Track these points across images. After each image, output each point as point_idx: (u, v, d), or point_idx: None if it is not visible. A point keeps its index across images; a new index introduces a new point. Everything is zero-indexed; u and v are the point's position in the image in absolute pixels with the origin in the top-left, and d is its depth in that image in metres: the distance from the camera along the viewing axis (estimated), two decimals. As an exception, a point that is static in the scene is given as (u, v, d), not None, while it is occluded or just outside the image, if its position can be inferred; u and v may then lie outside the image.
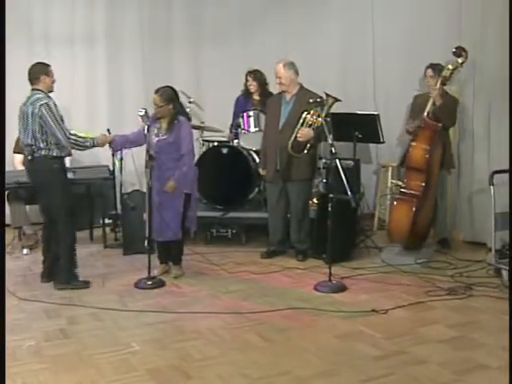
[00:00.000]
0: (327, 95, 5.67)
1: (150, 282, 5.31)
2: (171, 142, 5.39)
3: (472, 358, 3.82)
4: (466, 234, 6.77)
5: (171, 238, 5.51)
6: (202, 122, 7.52)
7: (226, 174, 6.78)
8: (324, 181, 6.87)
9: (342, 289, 5.17)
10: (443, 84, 6.03)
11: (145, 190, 6.34)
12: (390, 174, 7.18)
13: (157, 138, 5.43)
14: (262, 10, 8.51)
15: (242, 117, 6.82)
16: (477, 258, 5.96)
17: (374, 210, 7.65)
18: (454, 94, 6.45)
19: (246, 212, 6.86)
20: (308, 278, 5.55)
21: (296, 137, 5.82)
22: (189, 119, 5.62)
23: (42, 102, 5.16)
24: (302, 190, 6.11)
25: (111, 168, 6.96)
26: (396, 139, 7.38)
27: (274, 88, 6.70)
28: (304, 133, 5.81)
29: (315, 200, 6.74)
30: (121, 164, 7.02)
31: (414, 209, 5.83)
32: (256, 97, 7.07)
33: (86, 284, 5.40)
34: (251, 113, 6.79)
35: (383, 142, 6.86)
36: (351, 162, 6.60)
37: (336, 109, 5.97)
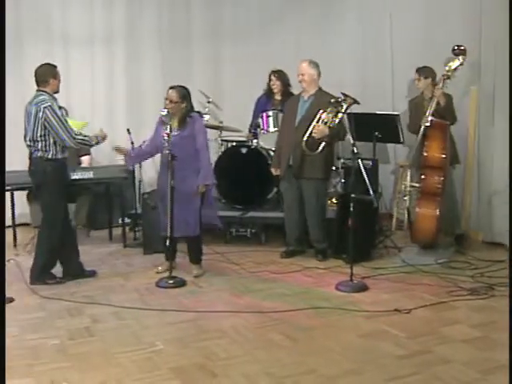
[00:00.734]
0: (345, 96, 5.65)
1: (171, 281, 5.32)
2: (186, 135, 5.40)
3: (495, 358, 3.80)
4: (485, 235, 6.74)
5: (190, 233, 5.52)
6: (221, 122, 7.53)
7: (245, 173, 6.80)
8: (342, 181, 6.89)
9: (363, 288, 5.17)
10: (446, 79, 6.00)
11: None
12: (408, 174, 7.14)
13: (171, 135, 5.43)
14: (280, 9, 8.52)
15: (262, 117, 6.84)
16: (497, 258, 5.92)
17: (391, 210, 7.61)
18: (474, 94, 6.45)
19: (265, 212, 6.88)
20: (329, 277, 5.55)
21: (311, 133, 5.82)
22: (201, 116, 5.65)
23: (46, 105, 5.21)
24: (317, 189, 6.10)
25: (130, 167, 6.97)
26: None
27: (296, 89, 6.70)
28: (319, 129, 5.79)
29: (334, 200, 6.75)
30: (140, 163, 7.05)
31: (437, 208, 5.81)
32: (278, 97, 7.08)
33: (61, 280, 5.47)
34: (270, 113, 6.80)
35: (403, 143, 6.84)
36: (370, 162, 6.59)
37: (354, 108, 5.96)
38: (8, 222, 6.84)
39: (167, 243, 5.32)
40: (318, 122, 5.80)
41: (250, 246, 6.66)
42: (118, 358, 3.88)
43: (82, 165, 7.39)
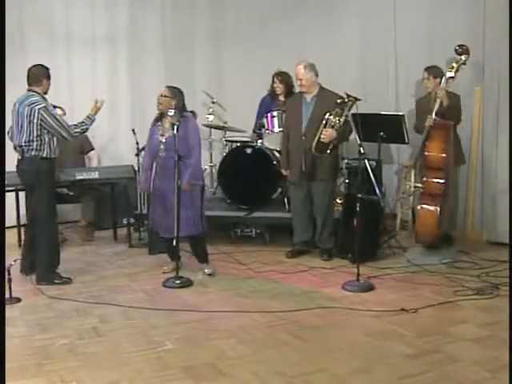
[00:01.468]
0: (348, 96, 5.68)
1: (178, 282, 5.34)
2: (180, 136, 5.36)
3: (503, 357, 3.79)
4: (489, 235, 6.76)
5: (192, 232, 5.51)
6: (225, 123, 7.55)
7: (249, 174, 6.82)
8: (346, 181, 6.91)
9: (370, 288, 5.19)
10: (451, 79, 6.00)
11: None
12: (412, 174, 7.17)
13: (163, 137, 5.47)
14: (282, 10, 8.55)
15: (266, 117, 6.86)
16: (501, 258, 5.93)
17: (394, 211, 7.65)
18: (478, 95, 6.47)
19: (270, 212, 6.88)
20: (335, 277, 5.57)
21: (320, 138, 5.86)
22: (194, 116, 5.63)
23: (41, 106, 5.27)
24: (326, 190, 6.13)
25: (136, 168, 6.98)
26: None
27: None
28: (328, 134, 5.84)
29: (338, 200, 6.77)
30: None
31: (438, 208, 5.83)
32: (282, 98, 7.10)
33: (68, 280, 5.51)
34: (275, 113, 6.82)
35: (408, 143, 6.86)
36: (374, 163, 6.60)
37: (358, 109, 5.98)
38: (13, 222, 6.88)
39: (173, 243, 5.34)
40: (325, 126, 5.83)
41: (254, 246, 6.68)
42: (128, 357, 3.89)
43: (91, 161, 7.42)
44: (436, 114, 5.88)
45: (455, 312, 4.66)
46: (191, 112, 5.60)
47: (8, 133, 5.63)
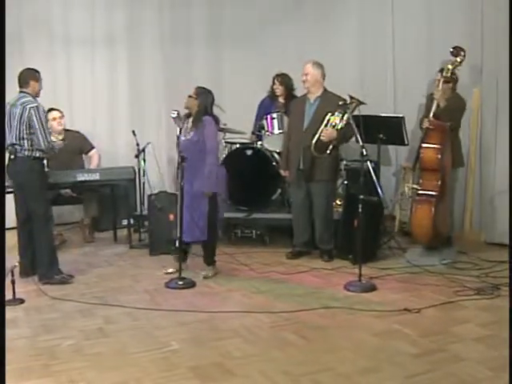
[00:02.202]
0: (351, 98, 5.73)
1: (181, 282, 5.35)
2: (195, 140, 5.43)
3: (506, 355, 3.82)
4: (487, 235, 6.81)
5: (199, 237, 5.54)
6: (225, 124, 7.56)
7: (249, 175, 6.84)
8: (345, 182, 6.94)
9: (372, 289, 5.22)
10: (447, 82, 6.02)
11: (169, 190, 6.45)
12: (411, 175, 7.20)
13: (183, 138, 5.50)
14: (281, 10, 8.58)
15: (266, 119, 6.87)
16: (500, 258, 5.96)
17: (393, 212, 7.68)
18: (476, 96, 6.52)
19: (270, 213, 6.91)
20: (336, 278, 5.60)
21: (319, 137, 5.88)
22: (216, 121, 5.64)
23: (32, 105, 5.34)
24: (325, 191, 6.15)
25: (136, 169, 7.00)
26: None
27: (299, 93, 6.75)
28: (327, 133, 5.87)
29: (338, 201, 6.80)
30: (144, 165, 7.10)
31: (433, 209, 5.86)
32: (281, 100, 7.13)
33: (70, 277, 5.56)
34: (275, 115, 6.84)
35: (407, 145, 6.90)
36: (372, 164, 6.63)
37: (358, 110, 6.01)
38: (13, 223, 6.86)
39: (177, 244, 5.37)
40: (326, 125, 5.86)
41: (254, 247, 6.71)
42: (135, 357, 3.91)
43: (92, 159, 7.44)
44: (433, 116, 5.93)
45: (457, 312, 4.69)
46: (213, 116, 5.58)
47: None
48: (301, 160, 6.04)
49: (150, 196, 6.57)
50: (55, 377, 3.65)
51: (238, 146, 7.17)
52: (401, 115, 6.80)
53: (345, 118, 5.76)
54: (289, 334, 4.26)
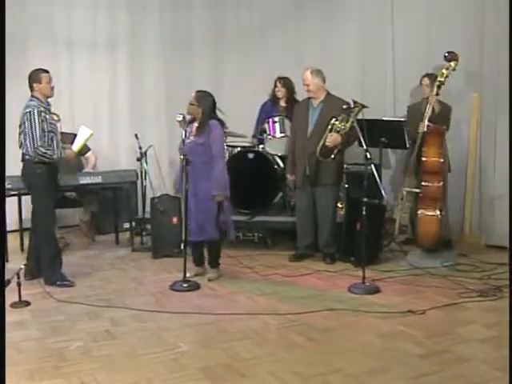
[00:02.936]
0: (355, 102, 5.78)
1: (185, 285, 5.38)
2: (201, 143, 5.45)
3: (512, 356, 3.92)
4: (487, 238, 6.86)
5: (205, 237, 5.59)
6: (226, 128, 7.59)
7: (251, 178, 6.87)
8: (346, 186, 6.98)
9: (375, 291, 5.26)
10: (439, 87, 6.09)
11: (171, 193, 6.48)
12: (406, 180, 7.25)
13: (187, 140, 5.52)
14: (282, 13, 8.63)
15: (268, 122, 6.91)
16: (500, 260, 6.01)
17: (392, 215, 7.71)
18: (476, 100, 6.59)
19: (271, 216, 6.95)
20: (340, 280, 5.65)
21: (324, 142, 5.94)
22: (222, 125, 5.68)
23: (27, 110, 5.36)
24: (330, 195, 6.21)
25: (138, 172, 7.03)
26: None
27: (300, 96, 6.81)
28: (332, 138, 5.93)
29: (339, 204, 6.83)
30: (147, 167, 7.13)
31: (439, 212, 5.93)
32: (283, 103, 7.16)
33: (72, 283, 5.57)
34: (276, 118, 6.89)
35: (408, 148, 6.94)
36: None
37: (361, 114, 6.06)
38: (15, 226, 6.91)
39: (181, 247, 5.41)
40: (330, 131, 5.91)
41: (257, 250, 6.74)
42: (144, 359, 3.94)
43: (89, 161, 7.43)
44: (428, 120, 5.99)
45: (461, 313, 4.74)
46: (219, 120, 5.61)
47: None
48: (306, 166, 6.09)
49: (152, 199, 6.58)
50: (66, 378, 3.68)
51: (239, 149, 7.20)
52: (402, 119, 6.86)
53: (349, 122, 5.81)
54: (295, 336, 4.30)
